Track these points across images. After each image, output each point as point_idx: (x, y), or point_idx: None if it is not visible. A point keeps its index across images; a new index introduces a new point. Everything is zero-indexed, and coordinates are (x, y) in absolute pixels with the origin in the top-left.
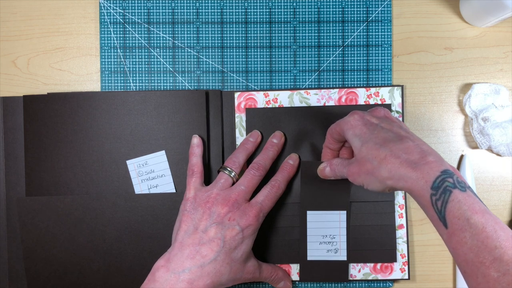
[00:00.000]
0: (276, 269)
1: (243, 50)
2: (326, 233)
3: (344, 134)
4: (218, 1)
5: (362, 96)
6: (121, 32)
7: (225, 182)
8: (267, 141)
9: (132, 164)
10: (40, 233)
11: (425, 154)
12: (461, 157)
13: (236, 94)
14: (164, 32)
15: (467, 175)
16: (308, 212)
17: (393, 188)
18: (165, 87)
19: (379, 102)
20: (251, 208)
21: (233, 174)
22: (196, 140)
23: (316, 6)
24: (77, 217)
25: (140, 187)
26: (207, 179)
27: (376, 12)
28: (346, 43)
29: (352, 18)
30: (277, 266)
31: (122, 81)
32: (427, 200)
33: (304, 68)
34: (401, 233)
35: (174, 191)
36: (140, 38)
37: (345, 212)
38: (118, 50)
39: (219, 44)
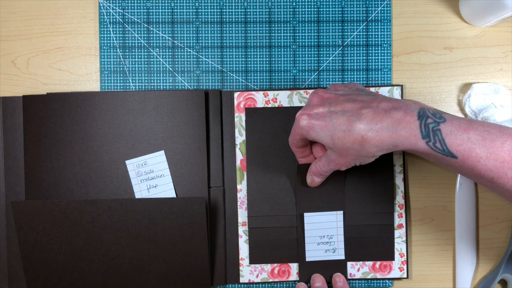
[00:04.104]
0: None
1: (243, 50)
2: (323, 234)
3: (307, 138)
4: (218, 1)
5: None
6: (121, 32)
7: None
8: None
9: (131, 164)
10: (37, 236)
11: (390, 113)
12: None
13: (236, 94)
14: (163, 32)
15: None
16: (305, 214)
17: (388, 152)
18: (164, 87)
19: None
20: None
21: None
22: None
23: (315, 6)
24: (73, 220)
25: (139, 187)
26: (206, 178)
27: (376, 11)
28: (346, 42)
29: (352, 18)
30: None
31: (121, 81)
32: (427, 149)
33: (303, 68)
34: (400, 233)
35: (173, 191)
36: (139, 38)
37: (341, 212)
38: (118, 50)
39: (218, 44)
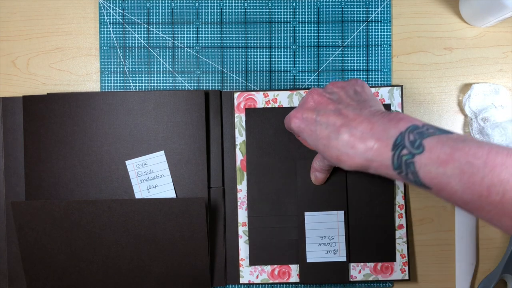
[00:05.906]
0: None
1: (243, 50)
2: (324, 234)
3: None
4: (218, 1)
5: None
6: (121, 32)
7: None
8: None
9: (131, 165)
10: (37, 236)
11: (364, 140)
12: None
13: (236, 94)
14: (163, 32)
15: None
16: (306, 214)
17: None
18: (164, 87)
19: None
20: None
21: None
22: None
23: (315, 6)
24: (73, 220)
25: (139, 188)
26: (206, 179)
27: (376, 12)
28: (346, 43)
29: (352, 18)
30: None
31: (121, 81)
32: (398, 177)
33: (303, 68)
34: (401, 233)
35: (173, 191)
36: (139, 38)
37: (343, 212)
38: (118, 50)
39: (218, 44)
